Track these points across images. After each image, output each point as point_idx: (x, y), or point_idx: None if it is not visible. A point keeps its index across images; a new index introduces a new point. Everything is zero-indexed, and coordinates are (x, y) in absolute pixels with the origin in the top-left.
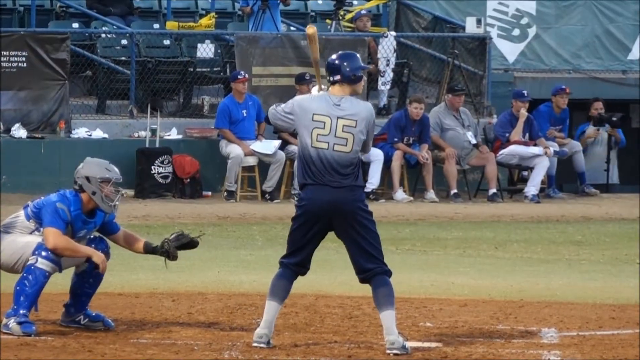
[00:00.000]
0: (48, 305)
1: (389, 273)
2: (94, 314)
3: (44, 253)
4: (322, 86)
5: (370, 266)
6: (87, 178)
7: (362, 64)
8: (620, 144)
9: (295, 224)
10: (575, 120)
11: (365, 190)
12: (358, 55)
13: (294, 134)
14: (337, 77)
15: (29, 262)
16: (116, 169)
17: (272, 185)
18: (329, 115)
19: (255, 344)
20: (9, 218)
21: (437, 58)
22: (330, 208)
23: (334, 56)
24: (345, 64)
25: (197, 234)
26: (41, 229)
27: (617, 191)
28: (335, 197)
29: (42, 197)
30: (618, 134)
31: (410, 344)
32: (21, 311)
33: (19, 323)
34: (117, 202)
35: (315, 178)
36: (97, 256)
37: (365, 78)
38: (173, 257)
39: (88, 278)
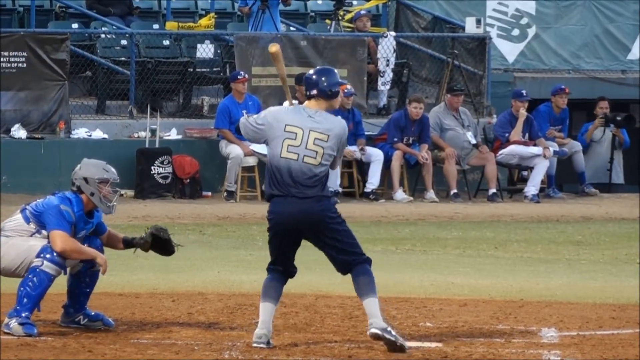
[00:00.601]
0: (48, 305)
1: (368, 261)
2: (93, 314)
3: (49, 256)
4: (293, 101)
5: (349, 259)
6: (85, 179)
7: (339, 80)
8: (624, 144)
9: (269, 236)
10: (575, 120)
11: (365, 190)
12: (336, 70)
13: None
14: (314, 92)
15: (34, 264)
16: (113, 170)
17: None
18: (302, 127)
19: (255, 345)
20: (5, 222)
21: (437, 58)
22: (297, 219)
23: (311, 71)
24: (322, 79)
25: (178, 242)
26: (42, 232)
27: (621, 191)
28: (301, 208)
29: (40, 200)
30: (622, 135)
31: (410, 344)
32: (24, 313)
33: (21, 324)
34: (115, 203)
35: (282, 189)
36: (101, 258)
37: (365, 78)
38: (145, 242)
39: (84, 278)
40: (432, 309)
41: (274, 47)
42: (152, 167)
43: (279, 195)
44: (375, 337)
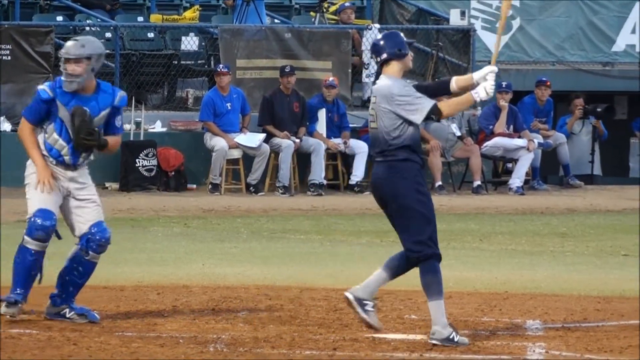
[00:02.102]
0: (32, 298)
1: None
2: (78, 308)
3: (28, 231)
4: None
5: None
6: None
7: (406, 39)
8: (603, 136)
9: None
10: (560, 112)
11: (350, 182)
12: (400, 33)
13: (278, 127)
14: (384, 56)
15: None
16: (72, 44)
17: (257, 178)
18: (373, 95)
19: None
20: None
21: (421, 50)
22: (375, 183)
23: (377, 37)
24: (387, 41)
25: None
26: (48, 128)
27: (600, 182)
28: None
29: None
30: (601, 126)
31: (395, 336)
32: (17, 290)
33: (3, 301)
34: (73, 80)
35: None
36: (40, 174)
37: (350, 70)
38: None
39: (78, 266)
40: (417, 302)
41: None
42: (137, 160)
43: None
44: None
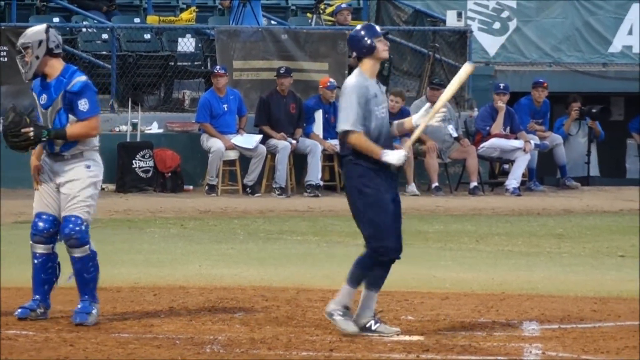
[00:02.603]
0: (28, 298)
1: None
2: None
3: (31, 231)
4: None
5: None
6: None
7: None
8: (600, 136)
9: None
10: (557, 113)
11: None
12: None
13: (275, 128)
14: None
15: None
16: (29, 33)
17: (254, 179)
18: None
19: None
20: None
21: (418, 51)
22: None
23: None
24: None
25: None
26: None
27: (597, 184)
28: None
29: None
30: (597, 127)
31: (391, 338)
32: (35, 296)
33: (21, 307)
34: (24, 70)
35: None
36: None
37: (346, 72)
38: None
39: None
40: (414, 303)
41: (470, 68)
42: (134, 161)
43: None
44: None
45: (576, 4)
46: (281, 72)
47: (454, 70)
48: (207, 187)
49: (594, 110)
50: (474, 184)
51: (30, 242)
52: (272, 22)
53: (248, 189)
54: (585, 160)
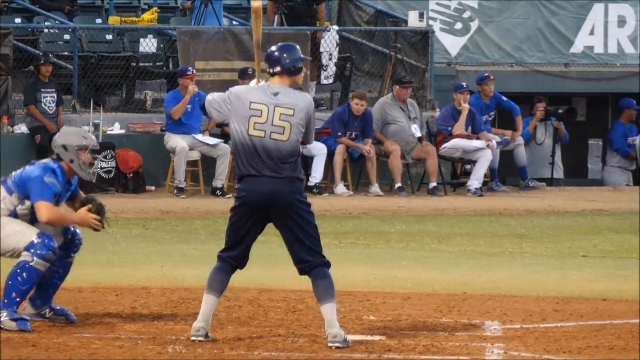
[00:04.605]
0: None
1: (327, 265)
2: (58, 308)
3: (39, 252)
4: (261, 80)
5: (309, 258)
6: (64, 146)
7: (302, 56)
8: (564, 138)
9: (234, 216)
10: (522, 115)
11: (309, 184)
12: (297, 46)
13: None
14: (277, 69)
15: (24, 259)
16: (92, 137)
17: (222, 180)
18: (266, 104)
19: (193, 338)
20: None
21: (380, 52)
22: (268, 199)
23: (273, 47)
24: (285, 55)
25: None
26: (26, 202)
27: (562, 185)
28: (274, 188)
29: (19, 171)
30: (562, 129)
31: (353, 337)
32: (14, 307)
33: (14, 320)
34: (95, 169)
35: (252, 168)
36: (82, 219)
37: (307, 71)
38: (99, 205)
39: (58, 268)
40: (376, 303)
41: (256, 3)
42: (96, 162)
43: (249, 175)
44: (337, 348)
45: (538, 4)
46: (249, 72)
47: (416, 70)
48: (176, 190)
49: (560, 111)
50: (433, 184)
51: (39, 260)
52: (234, 22)
53: (218, 192)
54: (549, 161)
